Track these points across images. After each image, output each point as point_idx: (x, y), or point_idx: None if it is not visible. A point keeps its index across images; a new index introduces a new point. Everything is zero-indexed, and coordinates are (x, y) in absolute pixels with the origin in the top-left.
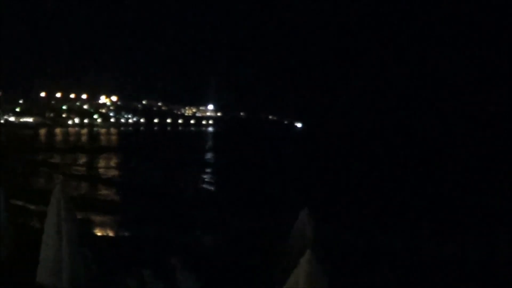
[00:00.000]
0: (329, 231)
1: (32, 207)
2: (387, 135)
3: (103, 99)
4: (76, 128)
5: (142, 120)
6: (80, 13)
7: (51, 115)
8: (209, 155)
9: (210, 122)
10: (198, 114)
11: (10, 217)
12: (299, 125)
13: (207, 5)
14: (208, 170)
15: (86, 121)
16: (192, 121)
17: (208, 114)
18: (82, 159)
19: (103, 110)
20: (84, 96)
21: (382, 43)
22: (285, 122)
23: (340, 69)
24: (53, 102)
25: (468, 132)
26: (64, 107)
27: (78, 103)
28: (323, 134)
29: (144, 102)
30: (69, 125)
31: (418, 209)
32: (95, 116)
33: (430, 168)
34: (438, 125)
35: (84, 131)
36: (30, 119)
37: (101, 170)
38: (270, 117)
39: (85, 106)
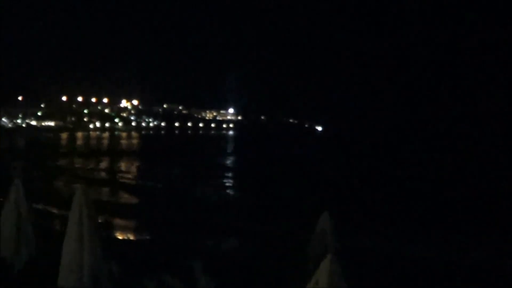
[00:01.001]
0: (349, 235)
1: (54, 210)
2: (408, 137)
3: (124, 103)
4: (97, 132)
5: (163, 124)
6: (101, 17)
7: (73, 119)
8: (229, 159)
9: (231, 125)
10: (218, 118)
11: (32, 221)
12: (319, 128)
13: (227, 9)
14: (228, 174)
15: (107, 125)
16: (212, 125)
17: (229, 117)
18: (103, 163)
19: (124, 114)
20: (105, 100)
21: (401, 45)
22: (306, 125)
23: (362, 72)
24: (74, 106)
25: (488, 133)
26: (85, 111)
27: (99, 107)
28: (343, 138)
29: (165, 106)
30: (90, 129)
31: (438, 214)
32: (116, 120)
33: (452, 171)
34: (459, 125)
35: (106, 135)
36: (52, 123)
37: (121, 174)
38: (291, 120)
39: (106, 110)
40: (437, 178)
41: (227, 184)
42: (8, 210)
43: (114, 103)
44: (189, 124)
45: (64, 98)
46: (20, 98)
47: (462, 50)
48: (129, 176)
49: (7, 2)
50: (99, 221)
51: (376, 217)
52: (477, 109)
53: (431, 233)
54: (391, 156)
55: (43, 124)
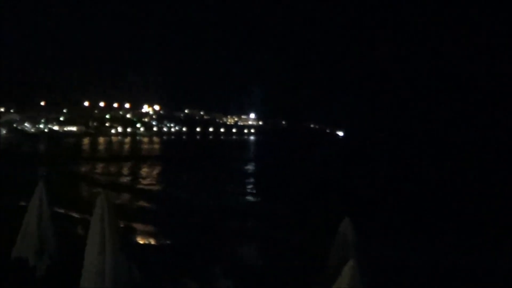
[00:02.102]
0: (369, 241)
1: (76, 214)
2: (429, 142)
3: (145, 108)
4: (119, 137)
5: (184, 129)
6: (124, 23)
7: (95, 124)
8: (250, 165)
9: (252, 131)
10: (240, 123)
11: (54, 225)
12: (340, 133)
13: (249, 16)
14: (249, 180)
15: (129, 130)
16: (234, 130)
17: (250, 123)
18: (125, 168)
19: (146, 119)
20: (127, 105)
21: (421, 51)
22: (327, 130)
23: (383, 78)
24: (96, 111)
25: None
26: (107, 116)
27: (121, 112)
28: (364, 143)
29: (186, 111)
30: (112, 134)
31: (461, 220)
32: (138, 125)
33: (473, 176)
34: (484, 130)
35: (127, 140)
36: (74, 128)
37: (143, 179)
38: (312, 125)
39: (128, 115)
40: (457, 183)
41: (248, 190)
42: (31, 214)
43: (136, 108)
44: (211, 129)
45: (86, 103)
46: (42, 103)
47: (485, 51)
48: (150, 181)
49: (31, 8)
50: (120, 225)
51: (393, 224)
52: (498, 114)
53: (447, 240)
54: (409, 161)
55: (65, 129)
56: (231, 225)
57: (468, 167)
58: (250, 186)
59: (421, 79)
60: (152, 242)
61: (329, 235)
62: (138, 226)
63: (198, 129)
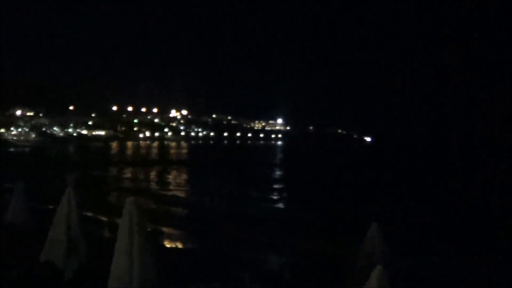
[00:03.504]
0: (396, 248)
1: (104, 218)
2: (459, 148)
3: (173, 113)
4: (147, 141)
5: (211, 134)
6: (153, 29)
7: (123, 128)
8: (277, 170)
9: (279, 136)
10: (267, 128)
11: (83, 228)
12: (368, 139)
13: (278, 21)
14: (276, 186)
15: (156, 134)
16: (261, 135)
17: (277, 128)
18: (153, 172)
19: (174, 124)
20: (155, 110)
21: (449, 54)
22: (354, 136)
23: (411, 83)
24: (124, 115)
25: None
26: (135, 121)
27: (149, 117)
28: (392, 148)
29: (214, 116)
30: (140, 138)
31: (496, 230)
32: (166, 130)
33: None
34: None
35: (155, 144)
36: (102, 132)
37: (170, 184)
38: (339, 131)
39: (156, 120)
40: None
41: (274, 197)
42: (60, 218)
43: (164, 113)
44: (238, 134)
45: (114, 108)
46: (71, 107)
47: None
48: (177, 186)
49: (61, 15)
50: (148, 229)
51: (422, 232)
52: None
53: (480, 253)
54: (437, 167)
55: (93, 133)
56: (256, 231)
57: (501, 171)
58: (276, 192)
59: (451, 84)
60: (180, 246)
61: (357, 241)
62: (166, 230)
63: (225, 134)
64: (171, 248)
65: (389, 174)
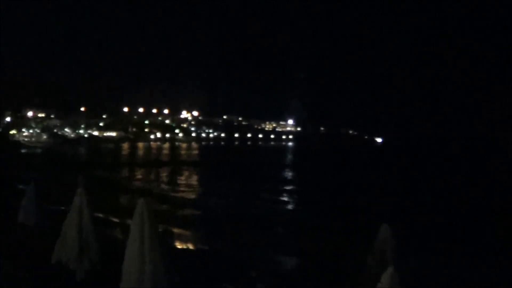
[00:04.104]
0: (408, 249)
1: (115, 219)
2: (471, 149)
3: (184, 114)
4: (158, 142)
5: (222, 135)
6: (163, 31)
7: (134, 129)
8: (288, 172)
9: (290, 137)
10: (278, 129)
11: (95, 229)
12: (379, 140)
13: (287, 23)
14: (286, 187)
15: (167, 135)
16: (272, 136)
17: (288, 129)
18: (164, 173)
19: (185, 125)
20: (166, 111)
21: (462, 57)
22: (365, 137)
23: (422, 84)
24: (135, 117)
25: None
26: (146, 122)
27: (160, 118)
28: (403, 149)
29: (225, 117)
30: (151, 139)
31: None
32: (177, 131)
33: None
34: None
35: (166, 145)
36: (113, 134)
37: (181, 185)
38: (350, 131)
39: (167, 121)
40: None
41: (284, 198)
42: (72, 219)
43: (174, 114)
44: (249, 135)
45: (125, 109)
46: (82, 109)
47: None
48: (188, 187)
49: (70, 16)
50: (159, 230)
51: (433, 233)
52: None
53: (494, 255)
54: (448, 168)
55: (104, 134)
56: (266, 233)
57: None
58: (286, 194)
59: (462, 85)
60: (190, 247)
61: (367, 242)
62: (176, 231)
63: (236, 135)
64: (182, 249)
65: (399, 175)
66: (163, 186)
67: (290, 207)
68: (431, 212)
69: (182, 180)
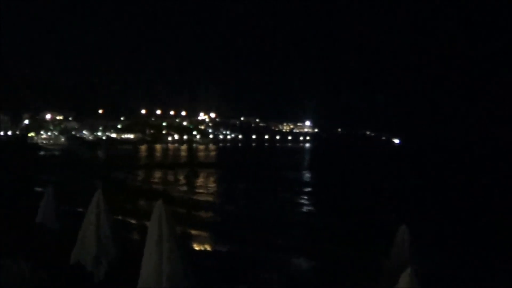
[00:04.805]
0: (426, 251)
1: (133, 221)
2: (490, 150)
3: (202, 116)
4: (176, 144)
5: (240, 136)
6: (180, 33)
7: (151, 131)
8: (305, 173)
9: (307, 138)
10: (295, 130)
11: (112, 231)
12: (396, 141)
13: (305, 23)
14: (304, 189)
15: (185, 137)
16: (289, 137)
17: (306, 130)
18: (181, 175)
19: (202, 127)
20: (183, 113)
21: (480, 57)
22: (383, 138)
23: (439, 84)
24: (153, 119)
25: None
26: (164, 124)
27: (177, 120)
28: (421, 150)
29: (242, 118)
30: (168, 141)
31: None
32: (194, 133)
33: None
34: None
35: (184, 147)
36: (131, 136)
37: (198, 187)
38: (367, 133)
39: (185, 123)
40: None
41: (302, 200)
42: (90, 221)
43: (192, 115)
44: (266, 136)
45: (143, 111)
46: (100, 111)
47: None
48: (205, 190)
49: (91, 17)
50: (177, 232)
51: (452, 234)
52: None
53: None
54: (467, 169)
55: (122, 136)
56: (284, 235)
57: None
58: (304, 196)
59: (481, 85)
60: (208, 248)
61: (386, 244)
62: (194, 232)
63: (253, 137)
64: (199, 251)
65: (417, 176)
66: (181, 188)
67: (307, 209)
68: (450, 213)
69: (199, 182)
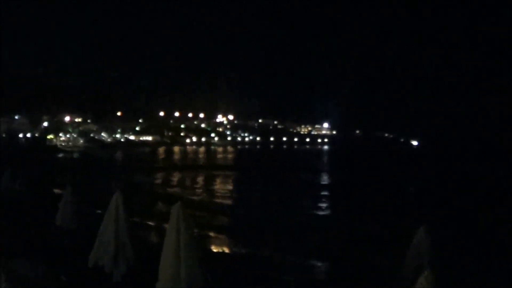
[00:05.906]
0: (446, 253)
1: (151, 223)
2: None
3: (220, 118)
4: (194, 147)
5: (258, 139)
6: (200, 35)
7: (170, 133)
8: (324, 176)
9: (325, 140)
10: (313, 132)
11: (131, 233)
12: (415, 143)
13: (323, 25)
14: (322, 193)
15: (203, 139)
16: (307, 140)
17: (324, 132)
18: (200, 177)
19: (220, 129)
20: (201, 115)
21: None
22: (401, 140)
23: (458, 85)
24: (171, 121)
25: None
26: (182, 126)
27: (195, 122)
28: (439, 153)
29: (260, 120)
30: (187, 144)
31: None
32: (212, 135)
33: None
34: None
35: (202, 149)
36: (149, 138)
37: (217, 189)
38: (386, 135)
39: (203, 125)
40: None
41: (320, 204)
42: (108, 222)
43: (210, 118)
44: (284, 138)
45: (161, 114)
46: (119, 113)
47: None
48: (224, 192)
49: (111, 21)
50: (195, 234)
51: (472, 237)
52: None
53: None
54: (485, 171)
55: (141, 138)
56: (302, 238)
57: None
58: (322, 199)
59: (501, 87)
60: (226, 250)
61: (404, 247)
62: (212, 235)
63: (271, 139)
64: (217, 253)
65: (436, 178)
66: (199, 190)
67: (325, 212)
68: (470, 215)
69: (217, 184)
